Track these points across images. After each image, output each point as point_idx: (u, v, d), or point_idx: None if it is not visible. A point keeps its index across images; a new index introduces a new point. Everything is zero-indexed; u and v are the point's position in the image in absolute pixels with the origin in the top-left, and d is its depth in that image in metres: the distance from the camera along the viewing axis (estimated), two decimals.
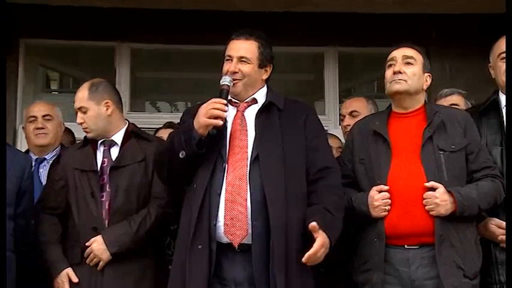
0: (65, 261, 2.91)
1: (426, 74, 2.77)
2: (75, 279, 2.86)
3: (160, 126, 4.09)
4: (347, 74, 5.49)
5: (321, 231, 2.41)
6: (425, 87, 2.78)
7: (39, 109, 3.51)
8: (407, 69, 2.73)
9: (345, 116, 3.49)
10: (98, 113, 2.99)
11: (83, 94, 3.00)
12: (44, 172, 3.34)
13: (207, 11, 4.74)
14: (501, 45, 2.90)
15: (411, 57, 2.75)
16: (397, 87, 2.72)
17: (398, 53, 2.77)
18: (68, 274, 2.88)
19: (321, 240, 2.40)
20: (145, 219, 2.87)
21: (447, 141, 2.65)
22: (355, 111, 3.43)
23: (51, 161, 3.38)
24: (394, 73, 2.72)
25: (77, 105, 3.00)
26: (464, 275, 2.55)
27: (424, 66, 2.77)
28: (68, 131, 3.86)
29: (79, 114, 3.00)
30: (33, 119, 3.47)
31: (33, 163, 3.35)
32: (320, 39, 5.01)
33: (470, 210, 2.57)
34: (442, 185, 2.56)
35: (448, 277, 2.51)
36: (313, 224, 2.40)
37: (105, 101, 3.00)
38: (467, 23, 4.79)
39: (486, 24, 4.29)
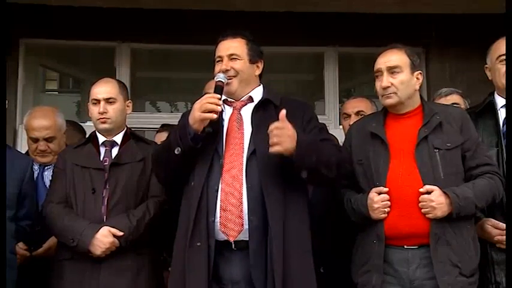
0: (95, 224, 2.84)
1: (416, 73, 2.72)
2: (119, 233, 2.82)
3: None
4: (347, 74, 5.49)
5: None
6: (417, 87, 2.73)
7: (40, 129, 3.28)
8: (394, 79, 2.68)
9: (350, 116, 3.48)
10: (122, 109, 3.09)
11: (112, 86, 3.09)
12: (48, 175, 3.28)
13: (207, 11, 4.74)
14: (499, 47, 2.89)
15: (396, 67, 2.69)
16: (389, 101, 2.71)
17: (383, 64, 2.72)
18: (109, 230, 2.82)
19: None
20: (144, 214, 2.90)
21: (443, 139, 2.64)
22: (362, 111, 3.42)
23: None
24: (383, 88, 2.70)
25: (105, 95, 3.03)
26: (461, 273, 2.54)
27: (411, 67, 2.70)
28: (79, 129, 3.81)
29: (104, 104, 3.01)
30: (35, 139, 3.31)
31: (37, 167, 3.32)
32: (320, 39, 5.01)
33: (466, 210, 2.56)
34: (438, 184, 2.56)
35: (443, 275, 2.51)
36: (283, 111, 2.44)
37: (129, 101, 3.16)
38: (467, 23, 4.79)
39: (486, 24, 4.29)
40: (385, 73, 2.71)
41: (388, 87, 2.69)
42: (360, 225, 2.71)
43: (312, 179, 2.56)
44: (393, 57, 2.72)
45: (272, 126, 2.43)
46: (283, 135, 2.42)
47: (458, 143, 2.64)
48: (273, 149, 2.42)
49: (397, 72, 2.69)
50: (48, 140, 3.32)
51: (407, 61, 2.71)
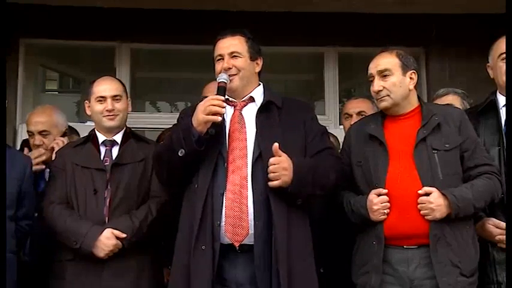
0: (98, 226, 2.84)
1: (409, 73, 2.72)
2: (122, 235, 2.82)
3: (161, 126, 4.08)
4: (347, 74, 5.49)
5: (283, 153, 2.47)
6: (411, 86, 2.73)
7: (36, 123, 3.36)
8: (385, 83, 2.70)
9: (351, 116, 3.48)
10: (126, 107, 3.11)
11: (117, 84, 3.12)
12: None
13: (207, 11, 4.74)
14: (501, 45, 2.89)
15: (385, 70, 2.70)
16: (383, 104, 2.73)
17: (373, 69, 2.74)
18: (112, 232, 2.82)
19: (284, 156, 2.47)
20: (146, 215, 2.89)
21: (441, 140, 2.64)
22: (364, 111, 3.42)
23: None
24: (375, 92, 2.72)
25: (112, 93, 3.04)
26: (461, 273, 2.54)
27: (403, 68, 2.71)
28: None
29: (111, 101, 3.01)
30: (31, 133, 3.38)
31: None
32: (320, 39, 5.01)
33: (465, 211, 2.57)
34: (437, 185, 2.56)
35: (443, 276, 2.51)
36: (276, 145, 2.45)
37: (129, 99, 3.16)
38: (467, 23, 4.79)
39: (486, 24, 4.29)
40: (376, 77, 2.73)
41: (380, 90, 2.71)
42: (359, 226, 2.71)
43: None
44: (382, 61, 2.74)
45: (269, 163, 2.47)
46: (280, 169, 2.46)
47: (457, 144, 2.65)
48: (272, 184, 2.46)
49: (388, 75, 2.71)
50: (42, 134, 3.34)
51: (397, 63, 2.72)
